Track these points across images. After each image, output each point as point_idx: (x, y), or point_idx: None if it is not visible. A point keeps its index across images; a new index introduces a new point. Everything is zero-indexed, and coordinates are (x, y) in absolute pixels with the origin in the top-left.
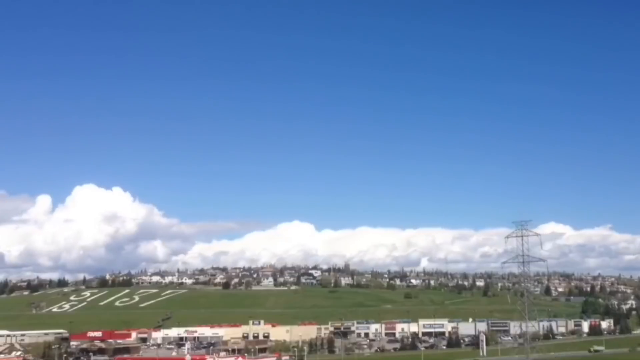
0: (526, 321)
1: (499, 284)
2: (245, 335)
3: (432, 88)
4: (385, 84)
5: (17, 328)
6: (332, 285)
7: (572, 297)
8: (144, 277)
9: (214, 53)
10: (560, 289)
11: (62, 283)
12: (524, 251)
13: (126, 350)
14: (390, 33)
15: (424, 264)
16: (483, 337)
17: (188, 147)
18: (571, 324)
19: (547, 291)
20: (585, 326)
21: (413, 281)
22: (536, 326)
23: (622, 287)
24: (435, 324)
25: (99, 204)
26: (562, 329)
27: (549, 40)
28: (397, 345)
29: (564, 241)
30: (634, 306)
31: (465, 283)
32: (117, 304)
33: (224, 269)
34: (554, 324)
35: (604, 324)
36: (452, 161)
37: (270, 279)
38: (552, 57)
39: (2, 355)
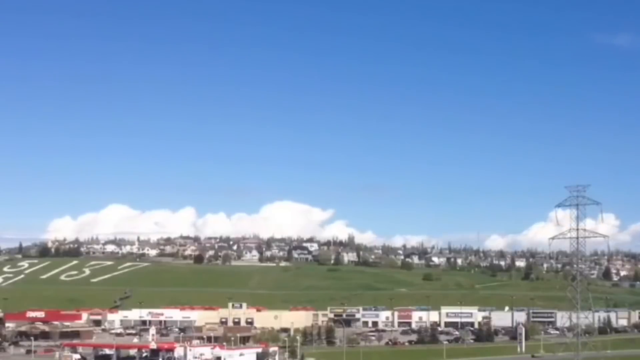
0: (577, 311)
1: (545, 265)
2: (223, 320)
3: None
4: None
5: None
6: (332, 262)
7: (638, 283)
8: (95, 246)
9: None
10: (623, 272)
11: None
12: (579, 224)
13: (75, 334)
14: None
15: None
16: (522, 330)
17: None
18: (635, 316)
19: (607, 274)
20: None
21: (435, 259)
22: (590, 317)
23: None
24: (461, 313)
25: None
26: (623, 322)
27: None
28: (413, 338)
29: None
30: None
31: (502, 263)
32: (62, 277)
33: (196, 239)
34: (613, 315)
35: None
36: None
37: (255, 252)
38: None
39: None
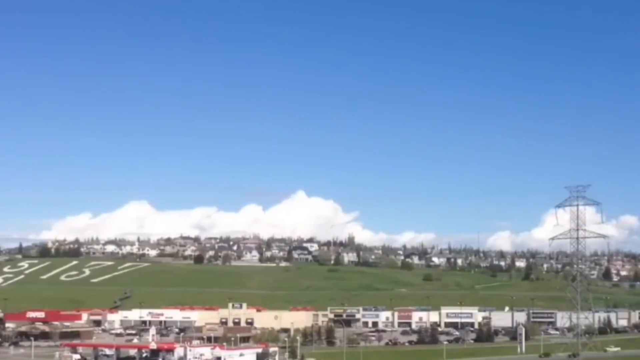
0: (578, 311)
1: (545, 265)
2: (223, 320)
3: None
4: None
5: None
6: (332, 262)
7: (638, 283)
8: (95, 246)
9: None
10: (623, 273)
11: None
12: (579, 224)
13: (76, 335)
14: None
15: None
16: (522, 330)
17: None
18: (635, 316)
19: (607, 275)
20: None
21: (435, 260)
22: (590, 318)
23: None
24: (461, 313)
25: None
26: (623, 322)
27: None
28: (414, 338)
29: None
30: None
31: (502, 263)
32: (62, 278)
33: (196, 239)
34: (613, 315)
35: None
36: None
37: (255, 252)
38: None
39: None
